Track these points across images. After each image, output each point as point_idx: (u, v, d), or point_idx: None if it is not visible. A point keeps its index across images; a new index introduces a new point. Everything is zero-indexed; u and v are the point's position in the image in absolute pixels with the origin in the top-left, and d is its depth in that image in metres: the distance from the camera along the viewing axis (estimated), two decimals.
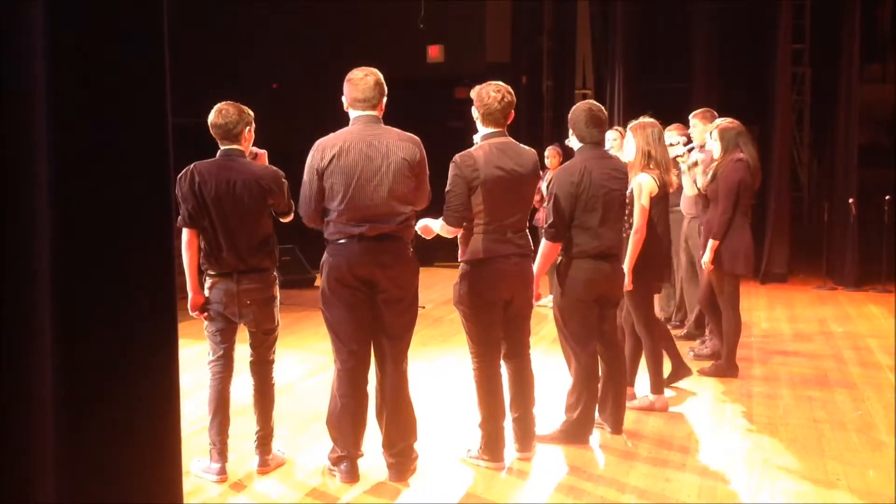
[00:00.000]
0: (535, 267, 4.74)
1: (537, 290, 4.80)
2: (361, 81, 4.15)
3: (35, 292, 1.85)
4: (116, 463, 1.96)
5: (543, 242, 4.74)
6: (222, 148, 4.30)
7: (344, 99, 4.22)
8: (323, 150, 4.11)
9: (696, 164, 6.71)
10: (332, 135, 4.17)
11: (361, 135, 4.12)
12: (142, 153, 1.96)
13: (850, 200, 10.26)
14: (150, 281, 2.00)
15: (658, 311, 8.02)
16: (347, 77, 4.19)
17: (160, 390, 2.01)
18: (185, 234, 4.24)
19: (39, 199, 1.84)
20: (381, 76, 4.19)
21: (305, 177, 4.16)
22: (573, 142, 4.86)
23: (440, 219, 4.40)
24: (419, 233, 4.51)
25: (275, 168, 4.40)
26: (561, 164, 6.56)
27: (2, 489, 1.85)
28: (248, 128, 4.31)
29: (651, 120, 5.40)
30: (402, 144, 4.15)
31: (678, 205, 7.23)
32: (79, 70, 1.88)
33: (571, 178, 4.66)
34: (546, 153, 8.66)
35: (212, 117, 4.27)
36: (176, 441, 2.08)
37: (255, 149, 4.47)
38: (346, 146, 4.08)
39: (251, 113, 4.36)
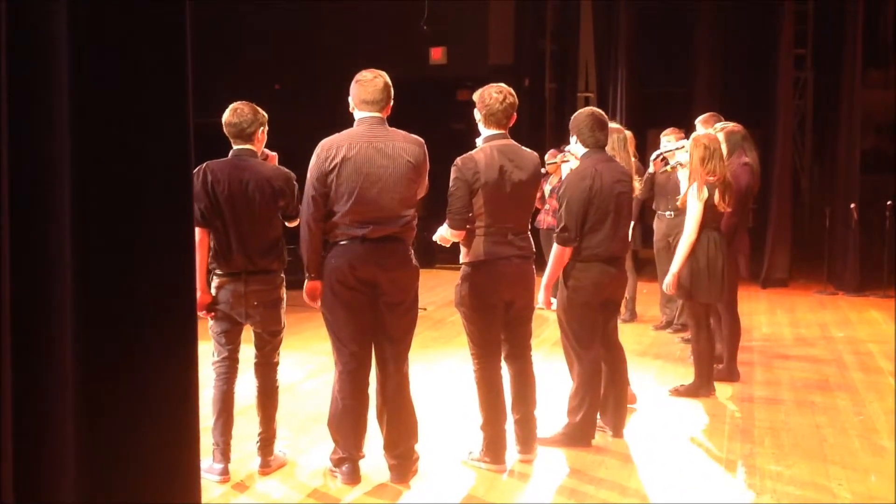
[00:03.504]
0: (547, 272, 4.73)
1: (549, 297, 4.79)
2: (370, 83, 4.14)
3: (57, 291, 1.86)
4: (137, 462, 1.96)
5: (555, 247, 4.72)
6: (234, 148, 4.31)
7: (350, 99, 4.21)
8: (329, 150, 4.10)
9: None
10: (336, 135, 4.16)
11: (367, 136, 4.11)
12: (163, 152, 1.96)
13: (852, 205, 10.26)
14: (171, 280, 1.99)
15: (660, 315, 8.09)
16: (356, 78, 4.18)
17: (180, 390, 2.02)
18: (197, 233, 4.23)
19: (62, 198, 1.84)
20: (389, 80, 4.19)
21: (309, 177, 4.14)
22: (577, 147, 4.83)
23: (444, 223, 4.40)
24: (438, 242, 4.52)
25: (286, 170, 4.40)
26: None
27: (24, 488, 1.86)
28: (261, 128, 4.32)
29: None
30: (407, 146, 4.15)
31: (667, 209, 7.31)
32: (101, 71, 1.88)
33: (584, 181, 4.65)
34: (546, 157, 8.65)
35: (226, 116, 4.28)
36: (194, 441, 2.09)
37: (266, 151, 4.47)
38: (352, 147, 4.07)
39: (265, 114, 4.36)
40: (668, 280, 5.69)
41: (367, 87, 4.14)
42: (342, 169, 4.05)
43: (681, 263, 5.59)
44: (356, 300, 4.14)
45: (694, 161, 5.53)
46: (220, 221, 4.21)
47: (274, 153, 4.52)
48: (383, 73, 4.19)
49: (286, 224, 4.43)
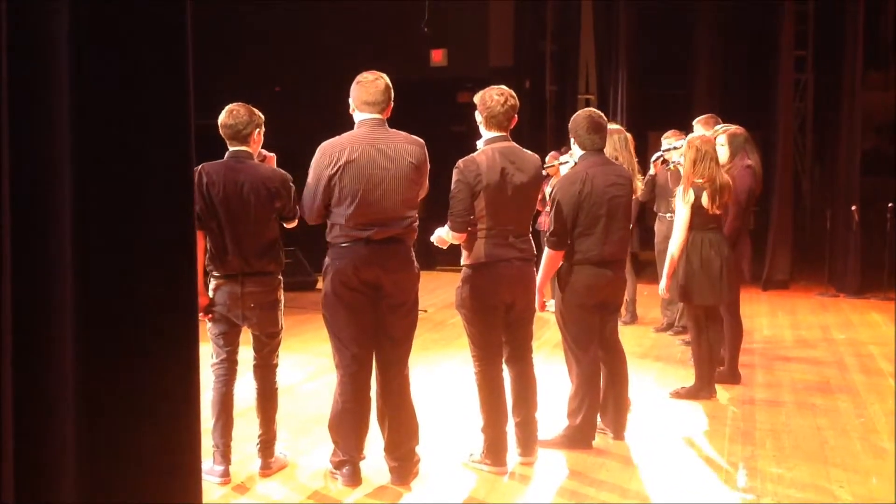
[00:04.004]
0: (539, 276, 4.73)
1: (541, 299, 4.79)
2: (371, 85, 4.13)
3: (57, 291, 1.85)
4: (137, 463, 1.96)
5: (546, 251, 4.73)
6: (230, 149, 4.29)
7: (351, 101, 4.20)
8: (331, 153, 4.09)
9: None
10: (338, 138, 4.15)
11: (369, 138, 4.10)
12: (163, 152, 1.96)
13: (853, 208, 10.26)
14: (172, 280, 1.99)
15: (661, 317, 8.08)
16: (357, 79, 4.18)
17: (181, 391, 2.01)
18: None
19: (62, 198, 1.83)
20: (389, 81, 4.18)
21: (311, 180, 4.13)
22: (575, 149, 4.84)
23: (446, 225, 4.39)
24: (436, 244, 4.51)
25: (283, 171, 4.39)
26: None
27: (24, 488, 1.85)
28: (257, 130, 4.30)
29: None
30: (408, 148, 4.14)
31: (668, 211, 7.32)
32: (101, 71, 1.88)
33: (574, 185, 4.65)
34: (547, 159, 8.64)
35: (222, 118, 4.27)
36: (196, 442, 2.08)
37: (264, 151, 4.46)
38: (354, 150, 4.06)
39: (261, 115, 4.34)
40: (662, 284, 5.71)
41: (369, 89, 4.13)
42: (345, 172, 4.04)
43: (671, 266, 5.60)
44: (358, 301, 4.13)
45: (686, 163, 5.55)
46: (216, 223, 4.20)
47: (272, 154, 4.51)
48: (384, 75, 4.18)
49: (284, 225, 4.42)
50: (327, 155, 4.09)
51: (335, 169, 4.05)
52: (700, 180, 5.50)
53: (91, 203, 1.87)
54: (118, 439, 1.92)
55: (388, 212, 4.08)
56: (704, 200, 5.49)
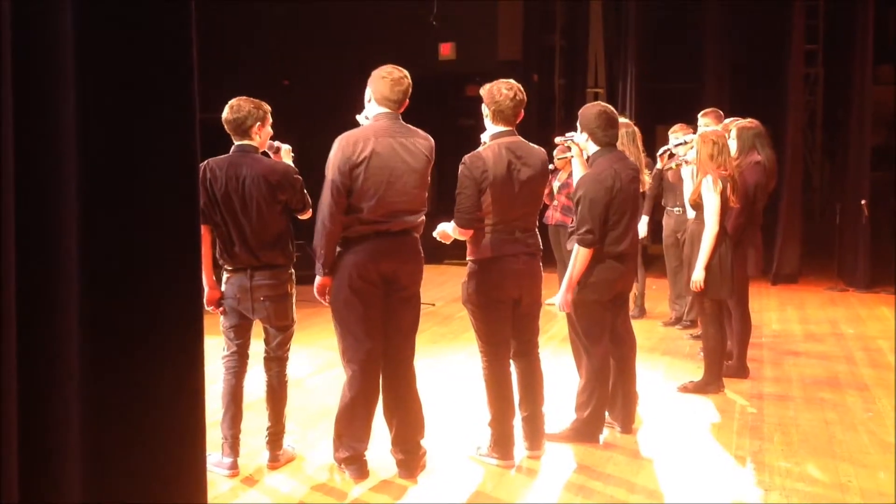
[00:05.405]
0: (569, 274, 4.68)
1: (570, 299, 4.74)
2: (397, 83, 4.13)
3: (62, 287, 1.85)
4: (141, 459, 1.96)
5: (577, 249, 4.67)
6: (235, 143, 4.30)
7: (370, 91, 4.17)
8: (356, 143, 4.06)
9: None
10: (359, 129, 4.15)
11: (391, 132, 4.11)
12: (170, 148, 1.96)
13: (862, 202, 10.21)
14: (177, 275, 1.99)
15: (669, 311, 8.07)
16: (381, 73, 4.15)
17: (186, 385, 2.01)
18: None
19: (68, 194, 1.84)
20: (411, 80, 4.20)
21: (333, 169, 4.06)
22: (590, 145, 4.77)
23: (452, 221, 4.38)
24: (438, 238, 4.51)
25: (286, 163, 4.39)
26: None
27: (30, 488, 1.85)
28: (258, 123, 4.27)
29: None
30: (423, 143, 4.19)
31: (675, 205, 7.31)
32: (107, 66, 1.88)
33: (604, 183, 4.62)
34: (555, 152, 8.59)
35: (224, 113, 4.27)
36: (201, 439, 2.07)
37: (277, 143, 4.45)
38: (378, 142, 4.06)
39: (267, 108, 4.33)
40: (697, 277, 5.60)
41: (394, 87, 4.13)
42: (370, 163, 4.04)
43: (707, 259, 5.54)
44: (373, 295, 4.13)
45: (703, 156, 5.52)
46: (220, 217, 4.21)
47: (287, 146, 4.50)
48: (408, 74, 4.19)
49: (298, 217, 4.42)
50: (351, 144, 4.06)
51: (360, 158, 4.03)
52: (724, 172, 5.49)
53: (96, 197, 1.87)
54: (122, 436, 1.93)
55: (407, 204, 4.11)
56: (728, 192, 5.48)
